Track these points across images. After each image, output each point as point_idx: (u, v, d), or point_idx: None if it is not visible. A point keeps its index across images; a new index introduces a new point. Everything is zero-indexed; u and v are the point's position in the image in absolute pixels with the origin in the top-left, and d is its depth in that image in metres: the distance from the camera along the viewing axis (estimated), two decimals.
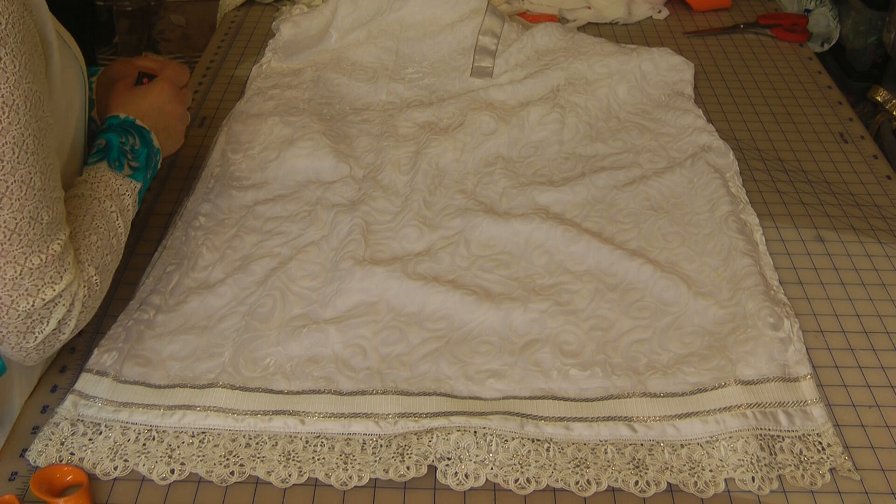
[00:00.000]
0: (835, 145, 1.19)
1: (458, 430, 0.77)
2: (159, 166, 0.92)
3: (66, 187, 0.82)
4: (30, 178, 0.69)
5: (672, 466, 0.76)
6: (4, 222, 0.68)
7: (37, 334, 0.72)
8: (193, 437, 0.79)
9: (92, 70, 0.99)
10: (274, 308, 0.90)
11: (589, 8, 1.52)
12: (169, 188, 1.12)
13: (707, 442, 0.77)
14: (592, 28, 1.50)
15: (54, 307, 0.72)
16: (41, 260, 0.71)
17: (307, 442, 0.78)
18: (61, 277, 0.72)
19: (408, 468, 0.76)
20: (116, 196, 0.83)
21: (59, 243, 0.72)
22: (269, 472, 0.76)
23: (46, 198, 0.71)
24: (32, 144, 0.69)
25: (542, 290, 0.93)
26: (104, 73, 0.97)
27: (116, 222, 0.82)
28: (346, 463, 0.76)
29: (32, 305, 0.71)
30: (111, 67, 0.97)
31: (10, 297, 0.70)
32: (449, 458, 0.76)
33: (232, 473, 0.76)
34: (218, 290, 0.93)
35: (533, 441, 0.78)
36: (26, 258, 0.70)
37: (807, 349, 0.86)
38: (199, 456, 0.77)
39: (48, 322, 0.73)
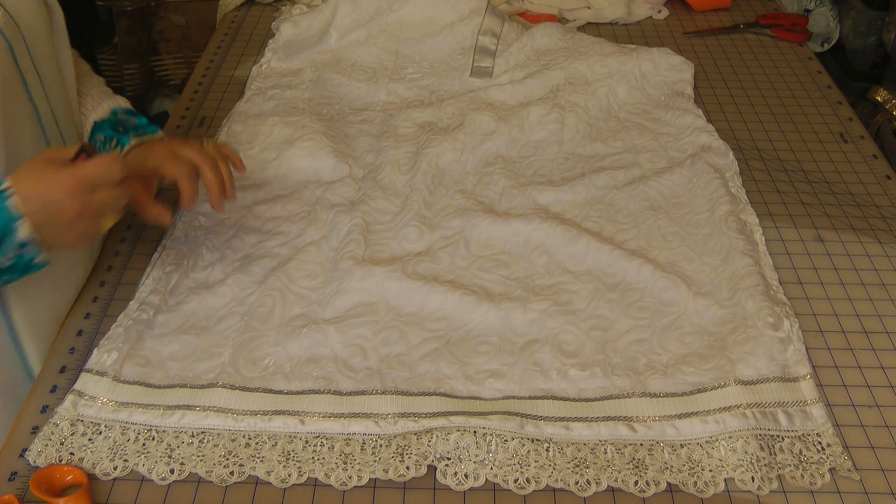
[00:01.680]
0: (835, 145, 1.19)
1: (458, 430, 0.77)
2: (37, 260, 0.75)
3: None
4: None
5: (672, 466, 0.76)
6: None
7: None
8: (193, 437, 0.79)
9: (151, 129, 0.95)
10: (273, 308, 0.90)
11: (589, 8, 1.52)
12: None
13: (707, 442, 0.77)
14: (592, 28, 1.50)
15: None
16: None
17: (307, 442, 0.78)
18: None
19: (407, 468, 0.76)
20: None
21: None
22: (268, 472, 0.76)
23: None
24: None
25: (541, 290, 0.93)
26: (143, 148, 0.91)
27: None
28: (345, 463, 0.76)
29: None
30: (137, 154, 0.90)
31: None
32: (448, 458, 0.76)
33: (232, 473, 0.76)
34: (217, 290, 0.93)
35: (533, 441, 0.77)
36: None
37: (807, 349, 0.86)
38: (198, 456, 0.77)
39: None
